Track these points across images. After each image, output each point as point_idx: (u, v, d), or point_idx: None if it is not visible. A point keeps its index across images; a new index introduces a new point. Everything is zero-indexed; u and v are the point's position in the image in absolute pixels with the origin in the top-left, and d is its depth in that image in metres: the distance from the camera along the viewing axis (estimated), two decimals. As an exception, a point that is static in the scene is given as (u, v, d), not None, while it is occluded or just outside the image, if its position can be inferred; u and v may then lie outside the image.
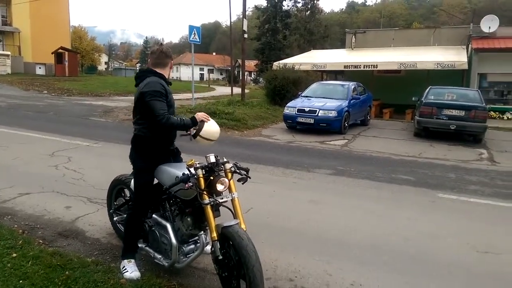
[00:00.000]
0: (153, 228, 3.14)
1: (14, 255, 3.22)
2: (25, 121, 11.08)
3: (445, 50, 17.32)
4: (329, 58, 19.47)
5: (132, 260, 3.12)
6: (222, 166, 2.85)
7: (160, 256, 3.07)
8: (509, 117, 15.96)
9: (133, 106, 3.13)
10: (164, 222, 3.05)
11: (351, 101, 11.95)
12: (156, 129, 2.96)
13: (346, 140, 10.47)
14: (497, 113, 16.09)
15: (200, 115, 3.02)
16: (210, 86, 40.09)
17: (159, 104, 2.85)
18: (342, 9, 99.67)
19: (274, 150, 8.96)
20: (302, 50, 31.75)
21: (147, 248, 3.22)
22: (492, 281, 3.39)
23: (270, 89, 17.00)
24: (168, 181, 2.90)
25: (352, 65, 17.07)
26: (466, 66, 14.92)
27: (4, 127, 9.75)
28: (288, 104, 11.95)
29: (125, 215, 3.51)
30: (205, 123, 3.00)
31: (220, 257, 2.68)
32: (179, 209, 3.02)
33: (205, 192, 2.71)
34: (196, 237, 3.03)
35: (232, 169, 2.89)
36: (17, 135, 8.98)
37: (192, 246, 3.05)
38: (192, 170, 2.73)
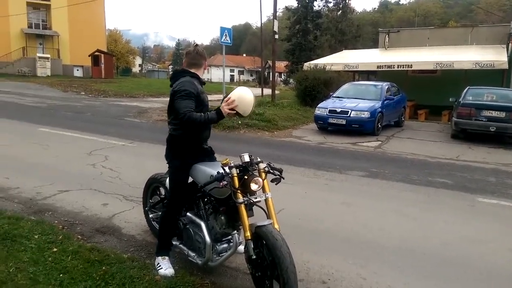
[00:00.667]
0: (187, 226, 3.18)
1: (55, 249, 3.34)
2: (64, 121, 11.54)
3: (484, 49, 16.62)
4: (362, 58, 19.11)
5: (167, 257, 3.17)
6: (256, 165, 2.85)
7: (194, 254, 3.11)
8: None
9: (167, 106, 3.19)
10: (198, 220, 3.08)
11: (385, 102, 11.68)
12: (188, 128, 3.00)
13: (380, 142, 10.24)
14: (540, 114, 15.26)
15: (225, 107, 2.91)
16: (241, 87, 40.19)
17: (184, 102, 2.87)
18: (375, 8, 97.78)
19: (305, 151, 8.89)
20: (334, 50, 31.41)
21: (181, 245, 3.26)
22: (538, 291, 3.22)
23: (300, 90, 16.90)
24: (202, 179, 2.93)
25: (385, 65, 16.68)
26: (506, 66, 14.25)
27: (44, 127, 10.19)
28: (319, 105, 11.83)
29: (159, 213, 3.58)
30: (237, 105, 2.92)
31: (254, 257, 2.68)
32: (213, 208, 3.03)
33: (239, 191, 2.71)
34: (230, 236, 3.03)
35: (266, 169, 2.88)
36: (57, 134, 9.36)
37: (225, 245, 3.06)
38: (226, 169, 2.74)
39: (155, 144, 8.21)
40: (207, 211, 3.09)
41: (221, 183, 2.68)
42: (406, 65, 16.05)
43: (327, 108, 11.30)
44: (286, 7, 43.70)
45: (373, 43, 33.76)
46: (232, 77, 66.10)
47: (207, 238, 2.93)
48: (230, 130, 11.25)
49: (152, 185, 3.81)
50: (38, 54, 31.75)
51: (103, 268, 3.07)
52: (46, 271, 2.99)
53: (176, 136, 3.11)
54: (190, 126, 2.94)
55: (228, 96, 2.99)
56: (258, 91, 29.17)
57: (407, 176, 6.74)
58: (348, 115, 10.84)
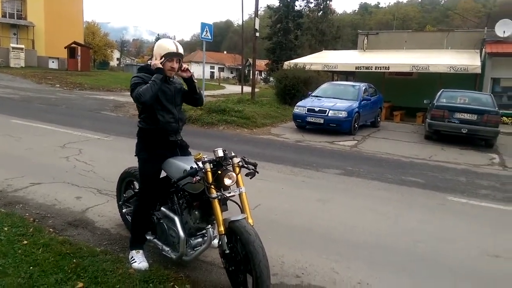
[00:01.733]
0: (161, 221, 3.16)
1: (25, 242, 3.26)
2: (37, 113, 11.22)
3: (459, 54, 17.13)
4: (341, 59, 19.38)
5: (141, 251, 3.15)
6: (230, 160, 2.85)
7: (168, 249, 3.09)
8: (522, 123, 15.73)
9: None
10: (172, 215, 3.07)
11: (362, 102, 11.88)
12: (152, 119, 3.04)
13: (356, 141, 10.42)
14: (510, 118, 15.85)
15: (154, 62, 3.00)
16: (220, 84, 40.13)
17: (133, 91, 2.94)
18: (355, 10, 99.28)
19: (283, 149, 8.96)
20: (314, 50, 31.66)
21: (155, 240, 3.24)
22: (502, 285, 3.35)
23: (280, 88, 16.99)
24: (176, 174, 2.91)
25: (363, 66, 16.97)
26: (479, 70, 14.75)
27: (17, 119, 9.88)
28: (298, 104, 11.92)
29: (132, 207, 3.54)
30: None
31: (227, 251, 2.69)
32: (187, 203, 3.02)
33: (212, 186, 2.71)
34: (204, 231, 3.04)
35: (240, 163, 2.88)
36: (30, 126, 9.10)
37: (200, 240, 3.06)
38: (200, 164, 2.73)
39: (132, 139, 8.02)
40: (181, 206, 3.08)
41: (195, 178, 2.66)
42: (383, 66, 16.39)
43: (305, 107, 11.40)
44: (268, 5, 43.85)
45: (353, 45, 34.26)
46: (212, 73, 65.67)
47: (181, 233, 2.92)
48: (209, 127, 11.21)
49: (126, 179, 3.77)
50: (11, 45, 30.62)
51: (75, 261, 3.02)
52: (15, 264, 2.92)
53: (141, 129, 3.13)
54: (146, 100, 2.89)
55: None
56: (238, 88, 29.16)
57: (381, 175, 6.89)
58: (326, 114, 10.97)
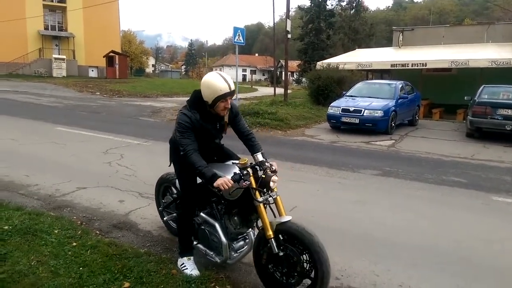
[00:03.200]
0: (202, 226, 3.17)
1: (74, 244, 3.45)
2: (80, 120, 11.76)
3: (500, 47, 16.35)
4: (375, 57, 18.99)
5: (192, 258, 3.17)
6: (268, 164, 2.89)
7: (212, 253, 3.12)
8: None
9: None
10: (212, 220, 3.09)
11: (399, 101, 11.60)
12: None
13: (393, 141, 10.18)
14: (559, 113, 14.95)
15: (219, 183, 2.68)
16: (253, 87, 40.39)
17: (184, 140, 2.84)
18: (389, 6, 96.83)
19: (317, 150, 8.90)
20: (347, 49, 31.24)
21: (198, 245, 3.26)
22: (555, 289, 3.19)
23: (313, 89, 16.88)
24: None
25: (399, 64, 16.53)
26: (524, 64, 14.00)
27: (61, 126, 10.41)
28: (332, 104, 11.81)
29: (174, 213, 3.62)
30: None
31: (281, 254, 2.69)
32: (225, 208, 3.03)
33: (258, 191, 2.73)
34: (245, 234, 3.07)
35: (273, 167, 2.90)
36: (74, 133, 9.56)
37: (242, 242, 3.08)
38: (247, 169, 2.74)
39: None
40: (220, 211, 3.09)
41: (244, 183, 2.68)
42: (420, 63, 15.88)
43: (340, 107, 11.27)
44: (299, 6, 43.74)
45: (387, 42, 33.47)
46: (244, 76, 66.20)
47: (223, 239, 2.95)
48: (243, 129, 11.30)
49: (163, 185, 3.84)
50: (54, 55, 32.37)
51: (121, 262, 3.16)
52: (66, 265, 3.09)
53: (173, 143, 3.14)
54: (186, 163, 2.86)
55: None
56: (270, 90, 29.24)
57: (421, 175, 6.70)
58: (361, 114, 10.80)
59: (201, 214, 3.19)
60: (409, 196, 5.56)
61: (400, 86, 12.29)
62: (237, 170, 2.79)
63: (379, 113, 10.69)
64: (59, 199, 4.82)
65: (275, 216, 2.83)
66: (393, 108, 11.12)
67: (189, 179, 3.12)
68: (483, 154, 8.71)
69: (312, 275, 2.64)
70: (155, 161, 6.95)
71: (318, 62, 19.44)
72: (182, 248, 3.21)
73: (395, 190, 5.86)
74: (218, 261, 3.05)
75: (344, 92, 13.12)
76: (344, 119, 11.09)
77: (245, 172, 2.73)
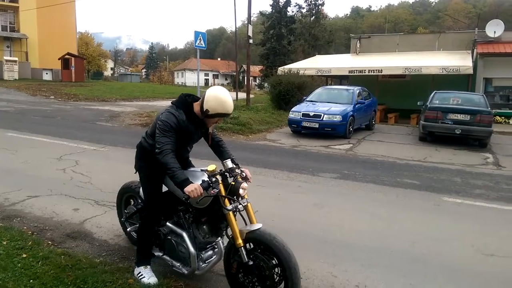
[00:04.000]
0: (169, 237, 3.07)
1: (24, 255, 3.28)
2: (33, 125, 11.21)
3: (450, 55, 17.33)
4: (334, 63, 19.53)
5: (148, 266, 3.09)
6: (238, 171, 2.85)
7: (179, 264, 3.03)
8: (515, 122, 15.91)
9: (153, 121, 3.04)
10: (179, 230, 2.99)
11: (356, 106, 11.98)
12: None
13: (351, 145, 10.49)
14: (503, 117, 16.06)
15: (190, 189, 2.57)
16: (215, 91, 40.18)
17: (163, 138, 2.75)
18: (347, 14, 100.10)
19: (279, 154, 9.00)
20: (307, 55, 31.87)
21: (164, 256, 3.14)
22: (497, 284, 3.40)
23: (275, 94, 17.08)
24: (178, 190, 2.79)
25: (357, 70, 17.12)
26: (471, 71, 14.92)
27: (12, 132, 9.88)
28: (293, 109, 12.00)
29: (137, 224, 3.46)
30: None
31: (250, 263, 2.66)
32: (193, 217, 2.95)
33: (227, 199, 2.68)
34: (214, 243, 3.00)
35: (244, 174, 2.87)
36: (25, 139, 9.09)
37: (210, 252, 3.00)
38: (205, 176, 2.70)
39: (128, 149, 8.11)
40: (188, 220, 3.00)
41: (213, 191, 2.60)
42: (376, 70, 16.53)
43: (300, 112, 11.48)
44: (260, 12, 44.21)
45: (346, 48, 34.49)
46: (206, 81, 65.93)
47: (191, 249, 2.86)
48: (204, 134, 11.23)
49: (125, 194, 3.70)
50: (5, 57, 30.61)
51: (75, 273, 3.03)
52: (15, 277, 2.93)
53: (146, 149, 3.02)
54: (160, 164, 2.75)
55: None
56: (232, 95, 29.26)
57: (377, 177, 6.95)
58: (321, 118, 11.05)
59: (167, 224, 3.09)
60: (366, 198, 5.74)
61: (357, 91, 12.70)
62: (205, 177, 2.72)
63: (338, 118, 10.99)
64: (9, 209, 4.56)
65: (246, 224, 2.80)
66: (351, 113, 11.46)
67: (154, 187, 3.04)
68: (434, 157, 9.16)
69: (282, 285, 2.62)
70: (113, 167, 6.76)
71: (279, 68, 19.72)
72: (139, 257, 3.11)
73: (353, 192, 6.03)
74: (186, 272, 2.95)
75: (304, 97, 13.38)
76: (304, 124, 11.30)
77: (213, 179, 2.66)
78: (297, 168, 7.43)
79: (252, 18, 18.12)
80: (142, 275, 3.03)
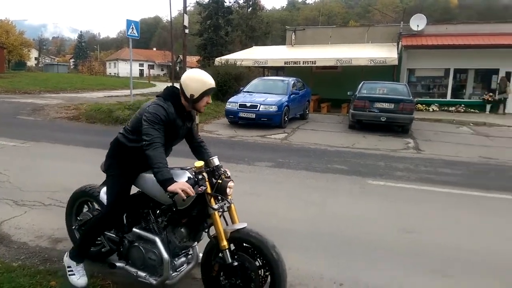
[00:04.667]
0: (136, 244, 2.79)
1: None
2: None
3: (378, 47, 18.32)
4: (270, 55, 19.78)
5: (81, 264, 2.88)
6: (223, 170, 2.73)
7: (145, 274, 2.75)
8: (434, 109, 17.28)
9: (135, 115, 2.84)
10: (150, 235, 2.74)
11: (291, 96, 12.26)
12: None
13: (286, 134, 10.75)
14: (424, 105, 17.35)
15: (178, 187, 2.37)
16: (151, 82, 39.05)
17: (153, 131, 2.55)
18: (283, 6, 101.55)
19: (216, 145, 8.97)
20: (244, 46, 31.94)
21: (127, 267, 2.84)
22: (415, 257, 3.69)
23: (212, 85, 16.91)
24: (156, 190, 2.60)
25: (292, 61, 17.50)
26: (396, 62, 15.91)
27: None
28: (230, 100, 12.00)
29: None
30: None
31: (235, 263, 2.54)
32: (168, 220, 2.72)
33: (213, 198, 2.55)
34: (188, 249, 2.83)
35: (228, 173, 2.74)
36: None
37: (183, 259, 2.80)
38: (202, 174, 2.55)
39: (53, 144, 7.62)
40: (160, 224, 2.75)
41: (200, 188, 2.43)
42: (310, 61, 17.04)
43: (237, 103, 11.52)
44: (197, 1, 43.16)
45: (282, 40, 35.05)
46: (141, 71, 63.62)
47: (165, 255, 2.62)
48: (138, 127, 10.88)
49: (79, 199, 3.32)
50: None
51: (-12, 278, 2.81)
52: None
53: (124, 145, 2.77)
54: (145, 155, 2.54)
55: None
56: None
57: (309, 164, 7.21)
58: (257, 109, 11.17)
59: (134, 230, 2.82)
60: (299, 185, 5.94)
61: (292, 82, 13.00)
62: (189, 175, 2.56)
63: (274, 108, 11.19)
64: None
65: (227, 224, 2.69)
66: (286, 103, 11.72)
67: (123, 188, 2.77)
68: (362, 143, 9.70)
69: (269, 283, 2.57)
70: (36, 164, 6.31)
71: (216, 58, 19.57)
72: (77, 253, 2.89)
73: (287, 180, 6.21)
74: (154, 282, 2.68)
75: (241, 88, 13.44)
76: (241, 114, 11.36)
77: (200, 176, 2.51)
78: (234, 158, 7.47)
79: (188, 8, 17.72)
80: (72, 271, 2.86)
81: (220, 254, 2.60)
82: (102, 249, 3.19)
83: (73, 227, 3.32)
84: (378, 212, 4.85)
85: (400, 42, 18.19)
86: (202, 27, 41.53)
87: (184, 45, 17.75)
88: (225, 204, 2.62)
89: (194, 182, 2.48)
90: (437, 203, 5.33)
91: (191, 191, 2.36)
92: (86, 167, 6.23)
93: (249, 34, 41.48)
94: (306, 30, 23.00)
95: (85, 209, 3.34)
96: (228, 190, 2.60)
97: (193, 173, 2.56)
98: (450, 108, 17.17)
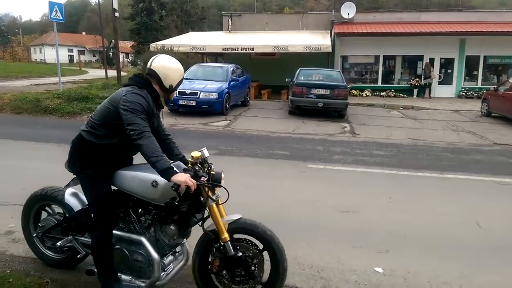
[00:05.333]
0: (117, 246, 2.60)
1: None
2: None
3: (313, 34, 18.83)
4: (208, 41, 19.50)
5: (118, 282, 2.59)
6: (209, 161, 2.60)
7: (129, 278, 2.59)
8: (367, 94, 18.24)
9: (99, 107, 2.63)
10: (135, 236, 2.57)
11: (231, 83, 12.25)
12: (120, 138, 2.47)
13: (228, 121, 10.77)
14: (358, 90, 18.23)
15: (183, 178, 2.23)
16: (82, 69, 36.79)
17: (139, 120, 2.36)
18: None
19: (155, 134, 8.76)
20: (180, 32, 31.12)
21: None
22: (353, 234, 3.95)
23: (148, 71, 16.36)
24: (139, 187, 2.46)
25: (230, 48, 17.42)
26: (330, 49, 16.49)
27: None
28: (168, 87, 11.69)
29: (65, 238, 2.85)
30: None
31: (239, 254, 2.49)
32: (154, 219, 2.56)
33: (210, 189, 2.45)
34: (177, 247, 2.69)
35: (213, 165, 2.63)
36: None
37: (171, 257, 2.67)
38: (197, 166, 2.45)
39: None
40: (143, 224, 2.59)
41: (202, 179, 2.33)
42: (248, 47, 17.08)
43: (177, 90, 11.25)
44: (127, -17, 41.17)
45: (219, 26, 34.70)
46: (71, 57, 59.60)
47: (155, 255, 2.47)
48: (70, 117, 10.29)
49: (37, 204, 3.01)
50: None
51: None
52: None
53: (92, 143, 2.49)
54: (137, 147, 2.34)
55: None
56: (102, 72, 27.13)
57: (252, 151, 7.32)
58: (197, 96, 11.03)
59: (114, 232, 2.59)
60: (242, 171, 6.01)
61: (231, 69, 12.98)
62: (184, 166, 2.46)
63: (214, 95, 11.12)
64: None
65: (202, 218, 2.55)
66: (226, 90, 11.70)
67: (104, 189, 2.54)
68: (302, 128, 10.02)
69: (270, 271, 2.56)
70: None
71: (152, 44, 18.89)
72: (107, 282, 2.57)
73: (231, 167, 6.20)
74: (143, 285, 2.54)
75: (179, 75, 13.12)
76: (181, 102, 11.15)
77: (196, 167, 2.41)
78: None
79: (118, -10, 16.82)
80: None
81: (220, 248, 2.53)
82: (78, 255, 2.93)
83: (34, 235, 3.00)
84: (316, 194, 5.08)
85: (332, 30, 18.85)
86: (134, 11, 39.83)
87: (115, 29, 16.92)
88: (218, 195, 2.54)
89: (194, 173, 2.36)
90: (372, 183, 5.71)
91: (193, 183, 2.25)
92: (18, 163, 5.80)
93: (185, 19, 40.45)
94: (243, 16, 22.95)
95: (44, 214, 3.04)
96: (222, 181, 2.54)
97: (190, 164, 2.47)
98: (382, 93, 18.22)
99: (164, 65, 2.58)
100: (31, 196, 3.00)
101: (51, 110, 10.51)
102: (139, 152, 2.44)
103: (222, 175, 2.56)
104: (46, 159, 6.04)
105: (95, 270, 2.61)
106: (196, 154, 2.48)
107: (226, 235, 2.46)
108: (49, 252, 3.01)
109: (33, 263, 3.01)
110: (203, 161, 2.54)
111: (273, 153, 7.27)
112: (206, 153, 2.57)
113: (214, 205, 2.47)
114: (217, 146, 7.61)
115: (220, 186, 2.52)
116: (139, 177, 2.46)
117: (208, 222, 2.54)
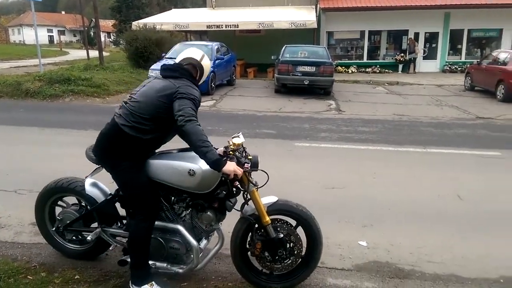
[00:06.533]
0: (152, 236, 2.58)
1: None
2: None
3: (298, 10, 18.55)
4: (191, 18, 19.10)
5: (154, 283, 2.56)
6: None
7: (165, 265, 2.62)
8: (353, 71, 18.23)
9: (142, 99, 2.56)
10: (170, 224, 2.59)
11: (216, 62, 12.11)
12: (158, 132, 2.49)
13: (214, 101, 10.70)
14: (343, 67, 18.21)
15: (232, 168, 2.29)
16: (63, 49, 35.86)
17: (193, 112, 2.40)
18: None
19: (140, 116, 8.67)
20: (163, 9, 30.45)
21: None
22: (338, 210, 4.03)
23: (131, 51, 16.05)
24: (175, 177, 2.45)
25: (214, 25, 17.11)
26: (315, 25, 16.32)
27: None
28: (152, 67, 11.55)
29: (85, 230, 2.81)
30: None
31: (281, 235, 2.56)
32: (189, 206, 2.59)
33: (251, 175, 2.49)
34: (213, 232, 2.71)
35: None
36: None
37: (205, 241, 2.70)
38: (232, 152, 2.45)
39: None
40: (178, 211, 2.61)
41: (246, 166, 2.39)
42: (233, 25, 16.80)
43: (160, 70, 11.08)
44: (106, -42, 39.73)
45: (202, 3, 33.92)
46: (51, 38, 57.85)
47: (194, 241, 2.52)
48: (52, 99, 10.08)
49: (52, 197, 2.88)
50: None
51: None
52: None
53: (142, 140, 2.44)
54: (183, 135, 2.38)
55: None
56: (84, 53, 26.50)
57: (238, 130, 7.30)
58: (182, 76, 10.88)
59: None
60: (229, 151, 6.02)
61: (216, 47, 12.80)
62: (221, 153, 2.45)
63: (199, 74, 10.97)
64: None
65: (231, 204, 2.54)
66: (212, 69, 11.56)
67: (145, 177, 2.49)
68: (288, 107, 10.02)
69: (305, 249, 2.67)
70: None
71: (134, 22, 18.47)
72: (139, 274, 2.54)
73: (218, 148, 6.25)
74: (181, 271, 2.59)
75: (163, 54, 12.94)
76: (165, 82, 10.99)
77: (237, 153, 2.44)
78: (160, 128, 7.30)
79: (96, -34, 16.27)
80: None
81: (260, 231, 2.60)
82: (110, 247, 2.92)
83: (53, 229, 2.91)
84: (304, 172, 5.15)
85: (318, 5, 18.59)
86: (114, -12, 38.56)
87: (95, 7, 16.48)
88: (264, 172, 2.54)
89: (238, 160, 2.39)
90: (357, 159, 5.79)
91: (241, 172, 2.32)
92: (1, 148, 5.70)
93: (168, -5, 39.48)
94: (227, -9, 22.42)
95: (67, 206, 2.93)
96: (259, 165, 2.56)
97: (232, 151, 2.47)
98: (367, 70, 18.23)
99: (207, 61, 2.70)
100: (44, 189, 2.87)
101: (32, 93, 10.27)
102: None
103: (258, 159, 2.58)
104: (30, 143, 5.95)
105: (128, 260, 2.58)
106: (237, 141, 2.48)
107: (267, 219, 2.52)
108: (70, 244, 2.94)
109: (20, 248, 3.01)
110: (240, 146, 2.55)
111: (260, 132, 7.28)
112: (242, 139, 2.55)
113: (255, 190, 2.51)
114: (203, 126, 7.45)
115: (261, 170, 2.55)
116: (174, 166, 2.47)
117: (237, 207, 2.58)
